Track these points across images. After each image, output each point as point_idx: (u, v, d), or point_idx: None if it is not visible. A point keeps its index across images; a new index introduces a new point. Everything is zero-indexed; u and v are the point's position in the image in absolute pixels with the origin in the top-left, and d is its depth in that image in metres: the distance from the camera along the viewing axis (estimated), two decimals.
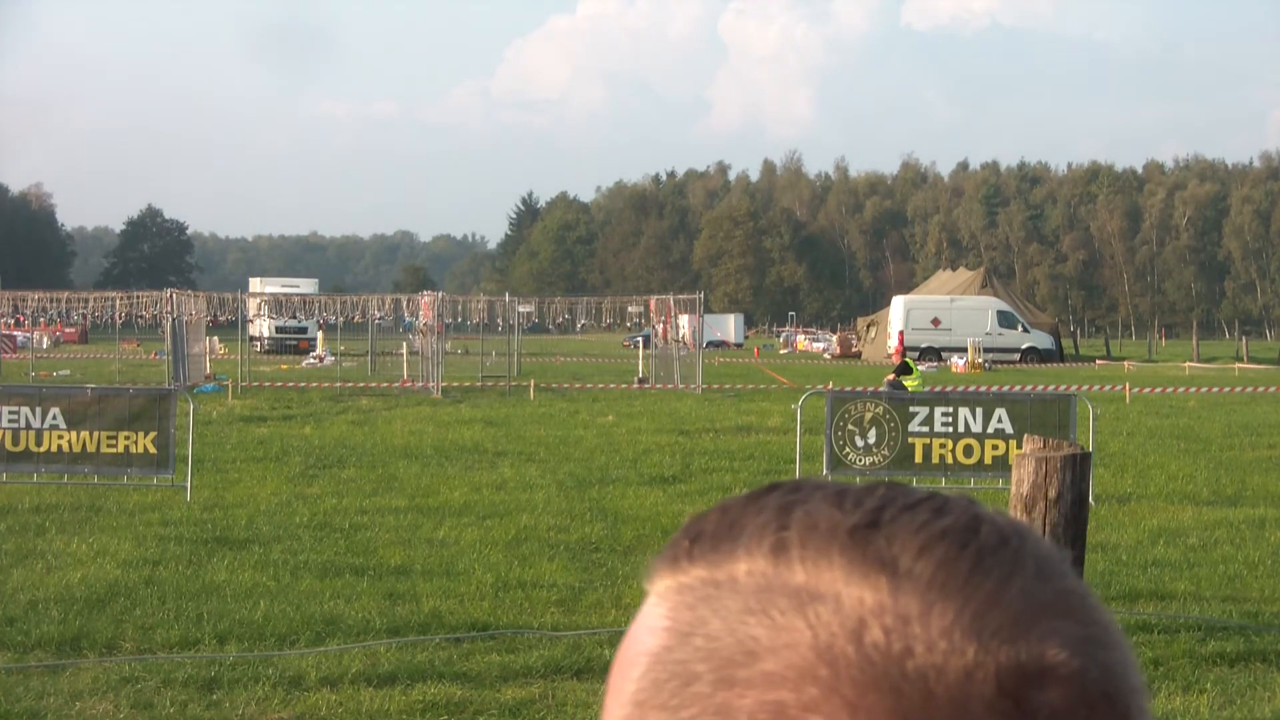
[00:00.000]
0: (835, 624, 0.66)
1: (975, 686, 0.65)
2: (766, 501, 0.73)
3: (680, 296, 48.45)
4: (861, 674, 0.65)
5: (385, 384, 41.07)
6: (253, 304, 51.56)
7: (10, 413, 16.16)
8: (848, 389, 27.99)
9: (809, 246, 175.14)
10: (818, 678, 0.65)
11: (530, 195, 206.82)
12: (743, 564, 0.70)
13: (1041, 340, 67.70)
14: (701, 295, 47.30)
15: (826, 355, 78.93)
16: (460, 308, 48.96)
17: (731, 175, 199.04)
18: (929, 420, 16.52)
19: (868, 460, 16.52)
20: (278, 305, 54.34)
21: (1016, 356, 65.23)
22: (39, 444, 16.12)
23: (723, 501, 0.75)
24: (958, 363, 58.86)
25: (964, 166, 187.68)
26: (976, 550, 0.68)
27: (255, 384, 39.46)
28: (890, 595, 0.66)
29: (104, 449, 16.09)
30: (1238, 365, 63.28)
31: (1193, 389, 41.77)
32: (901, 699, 0.64)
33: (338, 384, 39.49)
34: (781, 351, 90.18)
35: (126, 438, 16.10)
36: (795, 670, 0.66)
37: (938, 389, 23.88)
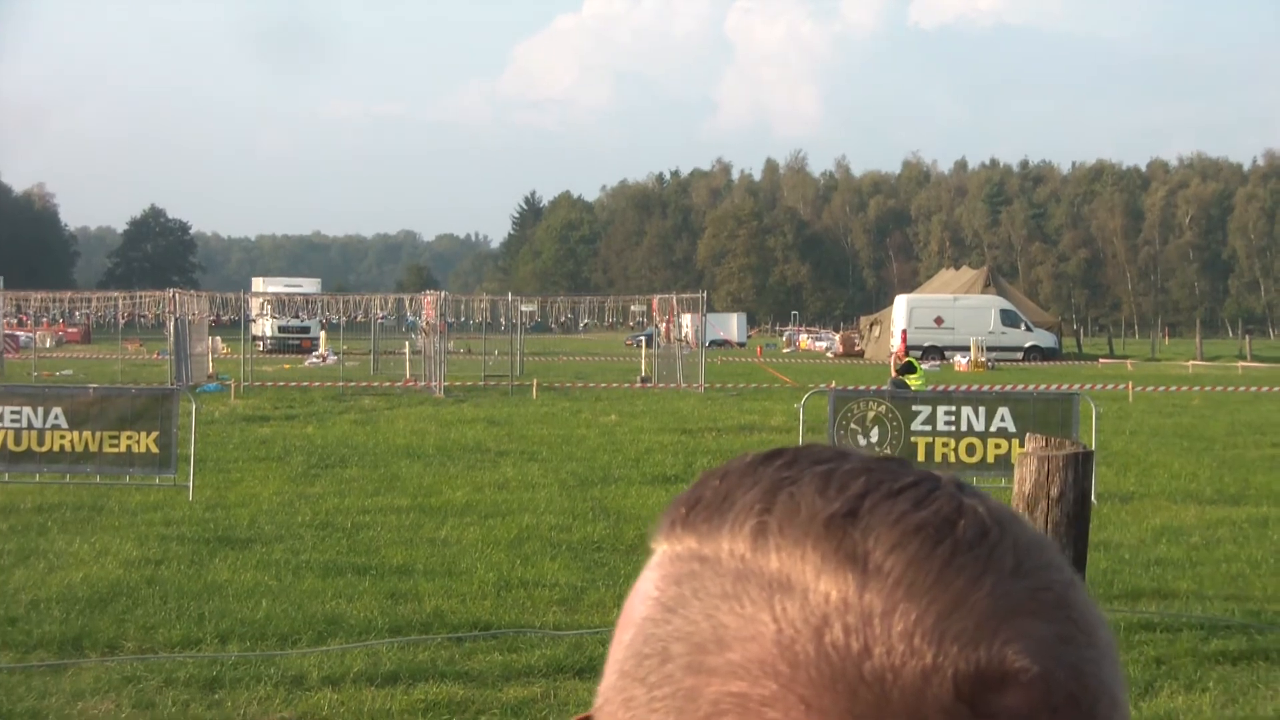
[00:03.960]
0: (799, 619, 0.66)
1: (931, 690, 0.64)
2: (762, 475, 0.73)
3: (683, 296, 48.45)
4: (819, 673, 0.65)
5: (388, 383, 41.07)
6: (255, 303, 51.61)
7: (13, 412, 16.15)
8: (850, 388, 27.99)
9: (812, 245, 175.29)
10: (777, 673, 0.65)
11: (533, 194, 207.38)
12: (726, 543, 0.70)
13: (1044, 339, 67.77)
14: (704, 294, 47.31)
15: (829, 354, 78.90)
16: (463, 307, 48.97)
17: (735, 174, 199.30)
18: (932, 419, 16.50)
19: None
20: (280, 305, 54.41)
21: (1020, 355, 65.29)
22: (41, 444, 16.12)
23: (729, 464, 0.75)
24: (961, 361, 58.87)
25: (963, 166, 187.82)
26: (952, 545, 0.67)
27: (258, 383, 39.47)
28: (857, 592, 0.66)
29: (106, 449, 16.09)
30: (1241, 364, 63.25)
31: (1196, 387, 41.74)
32: (856, 700, 0.64)
33: (340, 383, 39.46)
34: (784, 351, 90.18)
35: (129, 437, 16.09)
36: (757, 663, 0.66)
37: (941, 388, 23.87)
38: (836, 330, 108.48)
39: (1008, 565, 0.68)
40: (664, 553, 0.73)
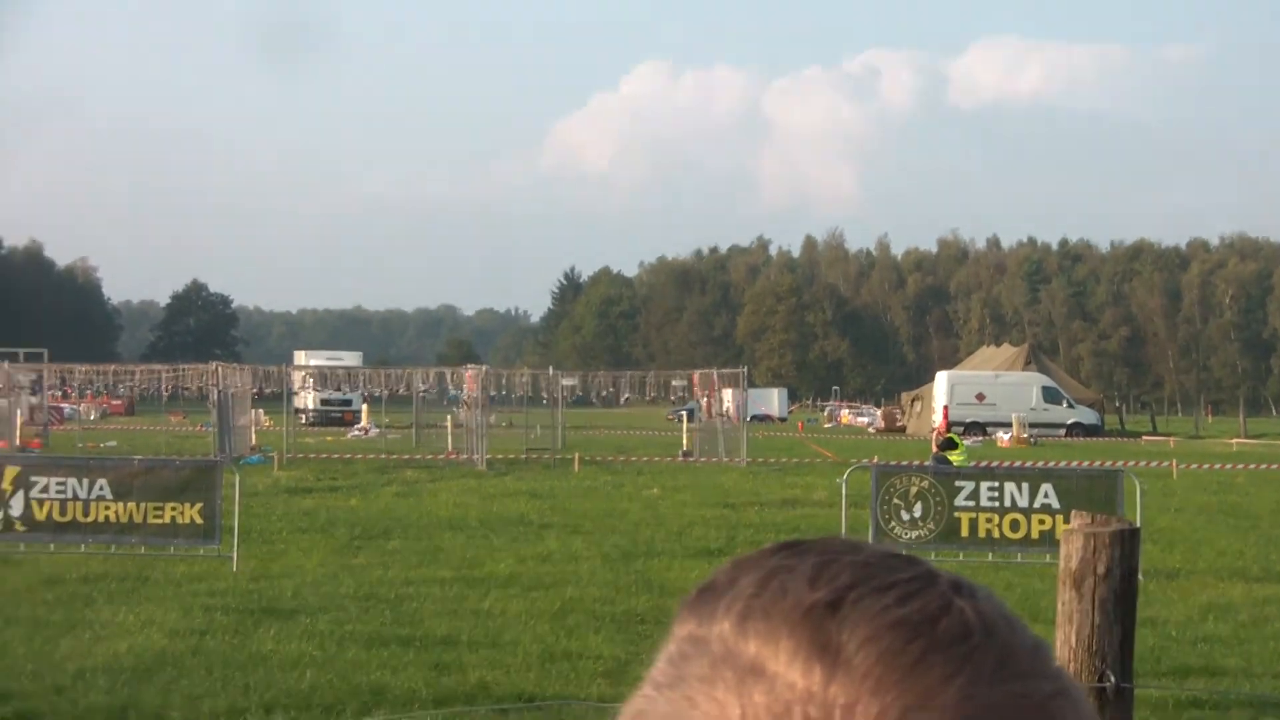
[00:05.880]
0: (763, 706, 0.66)
1: None
2: (767, 562, 0.74)
3: (724, 371, 48.51)
4: None
5: (430, 456, 41.18)
6: (298, 376, 51.83)
7: (58, 484, 16.28)
8: (893, 463, 27.91)
9: (852, 322, 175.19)
10: None
11: (573, 270, 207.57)
12: (717, 626, 0.71)
13: (1086, 416, 67.59)
14: (745, 370, 47.37)
15: (871, 430, 78.65)
16: (504, 381, 49.15)
17: (774, 250, 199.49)
18: (975, 495, 16.45)
19: (914, 534, 16.46)
20: (322, 378, 54.66)
21: (1062, 431, 65.06)
22: (86, 514, 16.23)
23: (754, 551, 0.76)
24: (1003, 437, 58.65)
25: (996, 244, 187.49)
26: (927, 643, 0.67)
27: (301, 455, 39.61)
28: (823, 684, 0.66)
29: (151, 520, 16.18)
30: None
31: (1240, 465, 41.44)
32: None
33: (383, 455, 39.59)
34: (826, 426, 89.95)
35: (173, 508, 16.18)
36: None
37: (984, 464, 23.80)
38: (878, 406, 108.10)
39: (987, 668, 0.67)
40: (672, 635, 0.75)
